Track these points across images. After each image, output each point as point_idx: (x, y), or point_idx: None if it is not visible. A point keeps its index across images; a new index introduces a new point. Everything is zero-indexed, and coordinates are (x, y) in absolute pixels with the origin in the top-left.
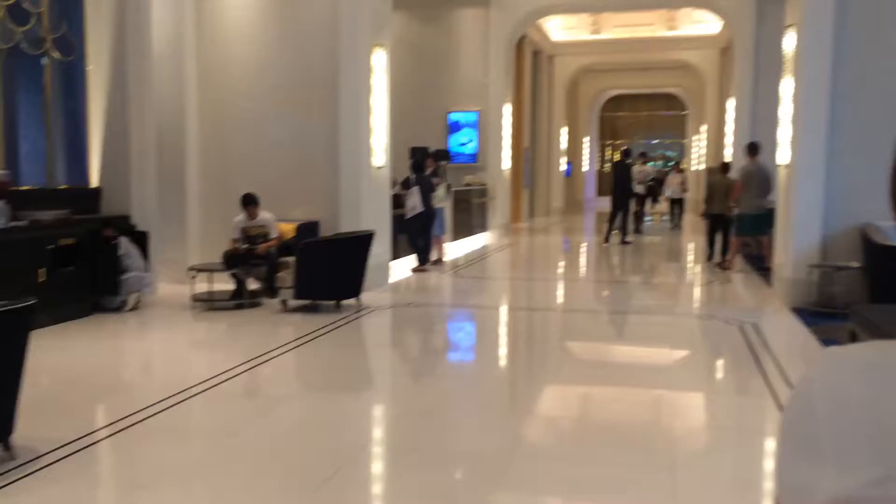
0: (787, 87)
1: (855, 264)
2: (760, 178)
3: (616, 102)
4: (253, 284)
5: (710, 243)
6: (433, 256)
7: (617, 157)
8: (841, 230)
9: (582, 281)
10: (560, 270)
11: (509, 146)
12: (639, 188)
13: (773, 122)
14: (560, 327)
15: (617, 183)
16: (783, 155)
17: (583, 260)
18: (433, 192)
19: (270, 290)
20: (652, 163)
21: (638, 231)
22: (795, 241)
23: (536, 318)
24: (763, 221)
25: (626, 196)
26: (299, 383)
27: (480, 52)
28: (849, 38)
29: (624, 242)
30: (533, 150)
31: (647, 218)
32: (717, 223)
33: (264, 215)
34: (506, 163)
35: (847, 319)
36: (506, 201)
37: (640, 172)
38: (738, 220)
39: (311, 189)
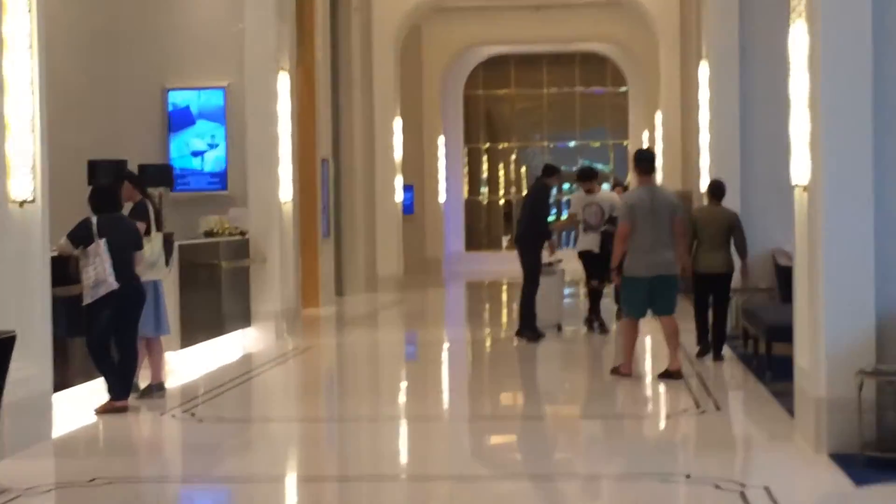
0: (798, 39)
1: None
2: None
3: (495, 71)
4: None
5: (701, 323)
6: (143, 379)
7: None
8: None
9: (454, 420)
10: (403, 401)
11: (290, 157)
12: (590, 241)
13: (776, 105)
14: None
15: (527, 228)
16: (799, 169)
17: (450, 377)
18: (137, 251)
19: None
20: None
21: (597, 323)
22: (828, 326)
23: (359, 496)
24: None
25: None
26: None
27: None
28: None
29: (603, 328)
30: (337, 165)
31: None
32: (708, 288)
33: None
34: (285, 190)
35: None
36: (288, 266)
37: (593, 207)
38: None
39: None
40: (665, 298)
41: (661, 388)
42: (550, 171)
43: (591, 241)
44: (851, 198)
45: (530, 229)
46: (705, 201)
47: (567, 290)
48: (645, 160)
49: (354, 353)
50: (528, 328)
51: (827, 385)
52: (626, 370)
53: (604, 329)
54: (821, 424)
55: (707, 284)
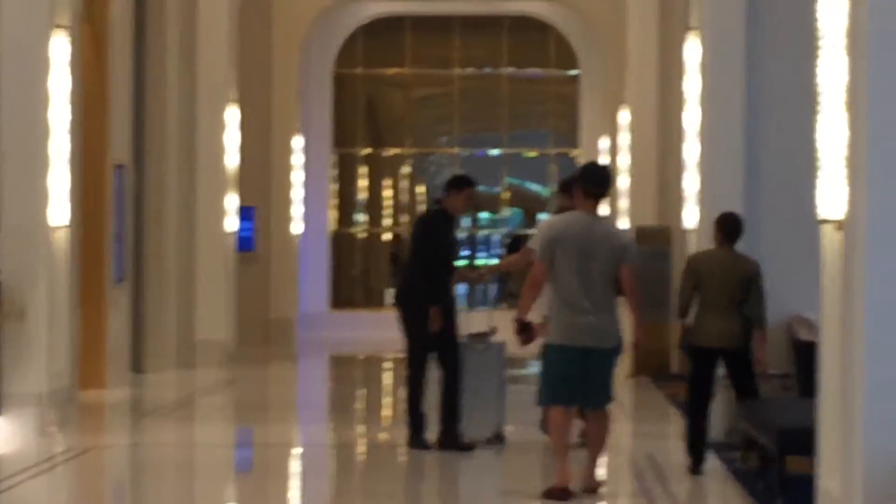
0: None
1: None
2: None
3: (382, 41)
4: None
5: (695, 426)
6: None
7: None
8: None
9: None
10: None
11: (68, 161)
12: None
13: (799, 103)
14: None
15: (411, 278)
16: (830, 197)
17: (303, 500)
18: None
19: None
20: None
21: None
22: (868, 432)
23: None
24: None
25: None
26: None
27: None
28: None
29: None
30: (139, 175)
31: None
32: (711, 370)
33: None
34: (58, 211)
35: None
36: (60, 326)
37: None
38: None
39: None
40: (595, 383)
41: None
42: (456, 185)
43: None
44: None
45: (416, 278)
46: (704, 243)
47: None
48: (595, 178)
49: (157, 460)
50: (415, 436)
51: None
52: (558, 485)
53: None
54: None
55: (711, 364)
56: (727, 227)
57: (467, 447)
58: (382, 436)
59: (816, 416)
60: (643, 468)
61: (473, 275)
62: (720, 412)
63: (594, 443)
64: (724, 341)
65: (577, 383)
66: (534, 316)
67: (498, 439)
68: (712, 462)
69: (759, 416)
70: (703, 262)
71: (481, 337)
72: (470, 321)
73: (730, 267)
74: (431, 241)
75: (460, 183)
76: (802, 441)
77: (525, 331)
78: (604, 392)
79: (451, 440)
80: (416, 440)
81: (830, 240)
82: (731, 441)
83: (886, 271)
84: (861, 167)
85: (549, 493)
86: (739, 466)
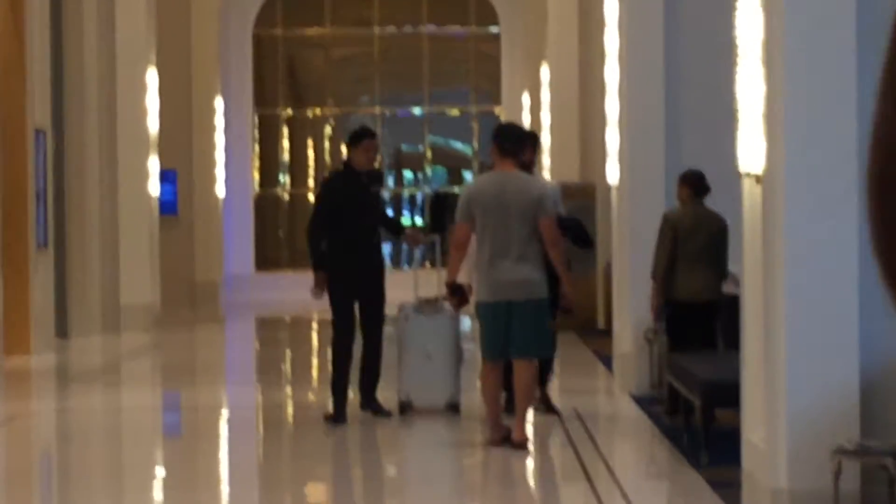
0: None
1: None
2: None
3: (302, 2)
4: None
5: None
6: None
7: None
8: None
9: None
10: (159, 500)
11: None
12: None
13: (720, 58)
14: None
15: (317, 235)
16: (750, 150)
17: (231, 462)
18: None
19: None
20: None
21: (540, 400)
22: (791, 385)
23: None
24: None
25: (371, 277)
26: None
27: None
28: None
29: (550, 408)
30: (59, 139)
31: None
32: (689, 324)
33: None
34: None
35: None
36: None
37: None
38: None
39: None
40: (521, 335)
41: (545, 468)
42: (354, 140)
43: None
44: (827, 193)
45: (313, 241)
46: (628, 199)
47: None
48: (509, 137)
49: (85, 425)
50: (336, 402)
51: (789, 471)
52: (494, 437)
53: (551, 409)
54: None
55: (688, 318)
56: (696, 183)
57: (384, 412)
58: (310, 397)
59: (740, 370)
60: (570, 422)
61: (417, 236)
62: (646, 366)
63: (521, 396)
64: (706, 294)
65: (504, 337)
66: (464, 278)
67: (453, 409)
68: (638, 415)
69: (684, 370)
70: (681, 220)
71: (432, 303)
72: (397, 281)
73: (707, 222)
74: (325, 203)
75: (357, 137)
76: (727, 394)
77: (456, 293)
78: (532, 343)
79: (369, 404)
80: (336, 414)
81: (750, 193)
82: (658, 395)
83: (804, 223)
84: (779, 122)
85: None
86: (665, 422)
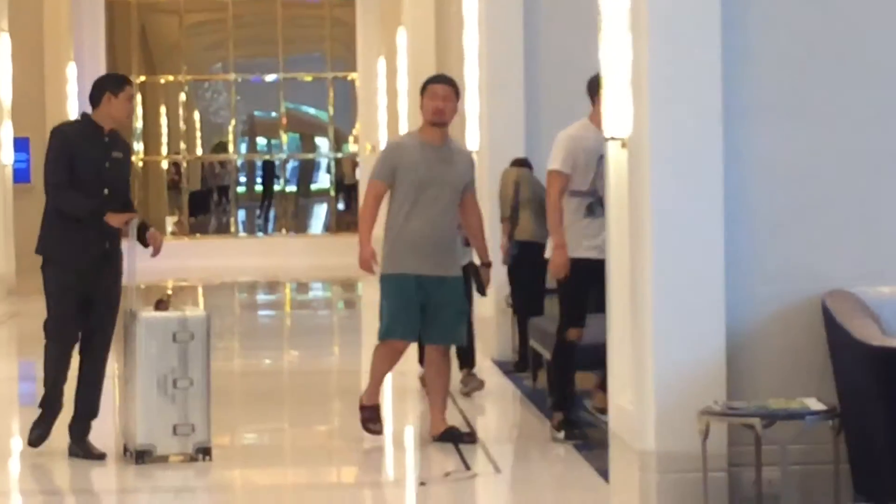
0: None
1: (818, 405)
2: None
3: None
4: None
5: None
6: None
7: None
8: (771, 313)
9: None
10: (16, 473)
11: None
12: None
13: (581, 17)
14: None
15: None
16: (615, 115)
17: None
18: None
19: None
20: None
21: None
22: (658, 345)
23: None
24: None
25: None
26: None
27: None
28: None
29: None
30: None
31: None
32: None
33: None
34: None
35: None
36: None
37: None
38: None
39: None
40: (437, 316)
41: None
42: (110, 86)
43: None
44: (694, 158)
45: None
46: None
47: None
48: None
49: None
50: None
51: (657, 433)
52: (367, 403)
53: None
54: (649, 492)
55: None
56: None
57: (97, 455)
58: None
59: (606, 332)
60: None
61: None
62: (508, 331)
63: (435, 385)
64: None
65: (416, 315)
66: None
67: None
68: (502, 381)
69: (547, 333)
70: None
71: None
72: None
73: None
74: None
75: (118, 83)
76: (591, 357)
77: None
78: (450, 328)
79: (78, 441)
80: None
81: (616, 157)
82: (517, 359)
83: (670, 185)
84: (644, 86)
85: (362, 413)
86: (528, 387)
